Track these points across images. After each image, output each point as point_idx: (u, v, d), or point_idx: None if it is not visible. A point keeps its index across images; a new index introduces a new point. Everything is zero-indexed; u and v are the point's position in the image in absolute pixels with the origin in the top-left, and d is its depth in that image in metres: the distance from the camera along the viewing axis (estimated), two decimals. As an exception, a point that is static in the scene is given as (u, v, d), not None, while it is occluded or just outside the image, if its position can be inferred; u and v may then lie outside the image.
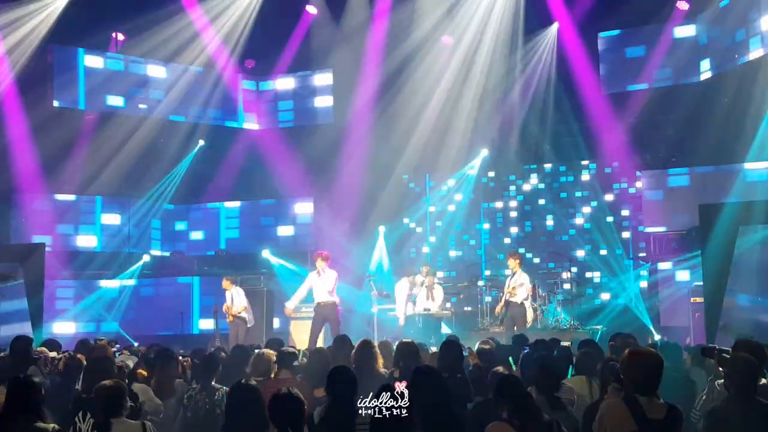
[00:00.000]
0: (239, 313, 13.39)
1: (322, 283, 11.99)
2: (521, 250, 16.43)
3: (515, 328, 11.84)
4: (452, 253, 18.23)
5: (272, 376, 6.43)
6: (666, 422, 4.14)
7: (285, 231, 19.06)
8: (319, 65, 18.45)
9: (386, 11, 16.72)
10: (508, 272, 13.49)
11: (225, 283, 13.58)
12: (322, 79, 18.67)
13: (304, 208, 18.95)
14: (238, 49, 17.67)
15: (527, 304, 12.32)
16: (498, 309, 12.55)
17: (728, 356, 4.95)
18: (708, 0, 15.51)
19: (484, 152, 17.65)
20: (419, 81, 17.01)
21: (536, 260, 17.19)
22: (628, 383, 4.28)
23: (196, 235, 19.32)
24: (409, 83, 17.01)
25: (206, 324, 16.56)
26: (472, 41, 16.74)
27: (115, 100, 17.62)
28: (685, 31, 16.19)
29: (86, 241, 17.82)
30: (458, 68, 16.86)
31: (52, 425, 4.63)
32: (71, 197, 17.59)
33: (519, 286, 12.11)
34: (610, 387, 5.20)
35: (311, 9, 17.34)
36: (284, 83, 19.21)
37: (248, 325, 13.52)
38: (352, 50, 17.32)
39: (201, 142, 18.39)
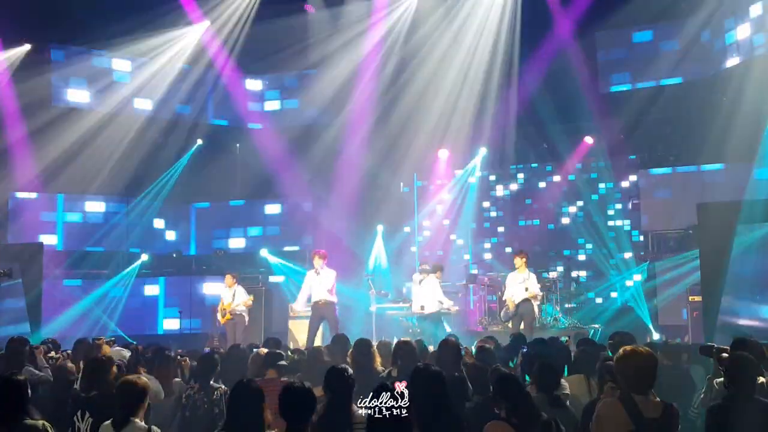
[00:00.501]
0: (241, 306, 12.99)
1: (319, 282, 11.93)
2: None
3: (522, 326, 11.87)
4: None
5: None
6: (663, 420, 4.14)
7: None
8: (315, 64, 18.36)
9: (384, 9, 16.70)
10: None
11: (228, 280, 13.21)
12: (319, 77, 18.50)
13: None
14: (235, 48, 17.62)
15: (535, 302, 12.40)
16: (512, 306, 12.44)
17: (727, 355, 4.94)
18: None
19: (483, 151, 17.66)
20: (417, 80, 16.98)
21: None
22: (624, 382, 4.28)
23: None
24: (406, 82, 16.98)
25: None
26: (471, 41, 16.72)
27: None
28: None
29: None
30: (457, 67, 16.83)
31: (41, 422, 4.61)
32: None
33: (534, 292, 12.22)
34: (606, 386, 5.20)
35: (309, 8, 17.27)
36: (279, 82, 19.14)
37: (245, 324, 13.15)
38: (350, 49, 17.27)
39: (199, 142, 18.34)
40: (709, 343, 5.07)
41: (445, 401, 4.50)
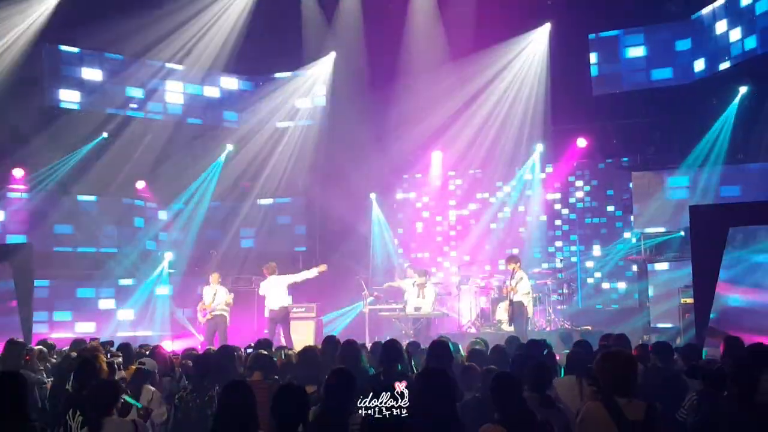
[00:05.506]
0: (222, 306, 12.95)
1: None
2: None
3: (513, 325, 12.00)
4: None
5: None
6: (646, 422, 4.16)
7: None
8: (311, 64, 18.27)
9: (380, 8, 16.69)
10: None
11: (214, 278, 13.25)
12: (315, 77, 18.41)
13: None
14: (231, 48, 17.55)
15: (526, 300, 12.53)
16: (506, 308, 12.56)
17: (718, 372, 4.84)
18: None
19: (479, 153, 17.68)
20: (413, 81, 16.96)
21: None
22: (605, 385, 4.30)
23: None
24: (403, 83, 16.95)
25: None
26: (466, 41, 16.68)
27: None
28: (678, 33, 16.27)
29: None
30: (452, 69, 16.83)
31: (39, 424, 4.57)
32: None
33: (519, 281, 12.40)
34: (587, 389, 5.20)
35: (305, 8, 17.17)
36: (275, 82, 19.03)
37: (227, 324, 13.02)
38: (345, 48, 17.22)
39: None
40: (696, 363, 4.97)
41: (451, 404, 4.49)
